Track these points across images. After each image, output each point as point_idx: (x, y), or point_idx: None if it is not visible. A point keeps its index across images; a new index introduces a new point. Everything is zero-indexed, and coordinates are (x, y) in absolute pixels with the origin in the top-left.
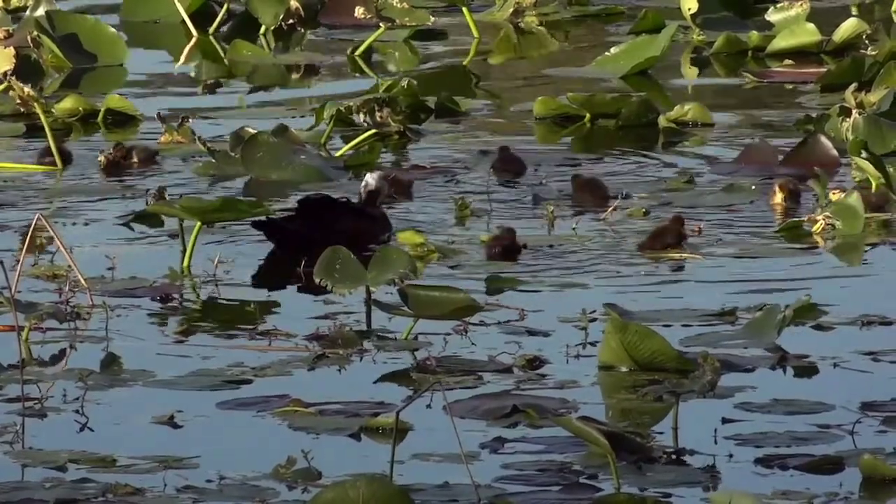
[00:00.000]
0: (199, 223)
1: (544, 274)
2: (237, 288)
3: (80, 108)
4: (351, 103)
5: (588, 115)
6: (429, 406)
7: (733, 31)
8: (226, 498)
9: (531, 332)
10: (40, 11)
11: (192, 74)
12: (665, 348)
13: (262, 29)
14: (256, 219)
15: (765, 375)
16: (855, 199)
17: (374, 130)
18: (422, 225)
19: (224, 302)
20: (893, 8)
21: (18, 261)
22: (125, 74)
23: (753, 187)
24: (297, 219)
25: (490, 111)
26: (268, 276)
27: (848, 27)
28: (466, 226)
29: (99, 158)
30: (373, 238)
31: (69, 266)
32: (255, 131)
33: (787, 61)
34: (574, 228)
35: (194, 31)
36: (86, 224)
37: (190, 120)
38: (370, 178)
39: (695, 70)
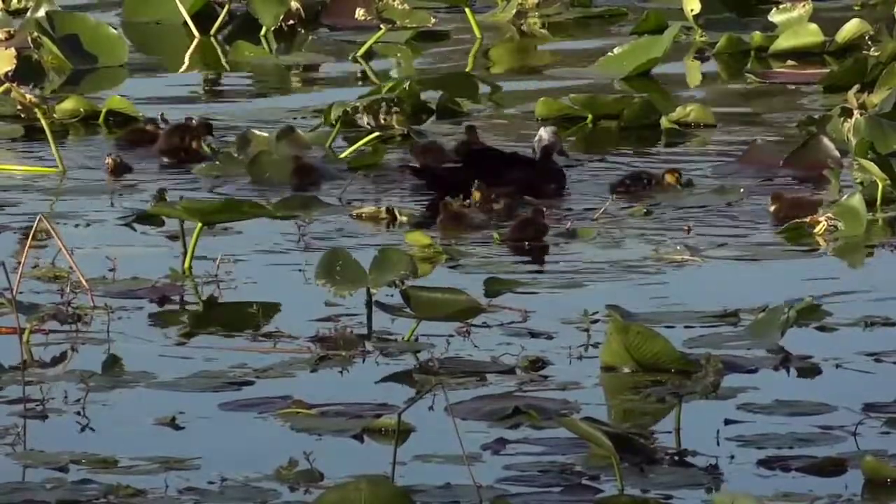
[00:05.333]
0: (199, 224)
1: (545, 275)
2: (239, 289)
3: (81, 109)
4: (357, 104)
5: (590, 116)
6: (431, 407)
7: (736, 31)
8: (227, 499)
9: (533, 334)
10: (41, 12)
11: (193, 75)
12: (667, 349)
13: (263, 30)
14: (416, 166)
15: (767, 376)
16: (857, 200)
17: (377, 133)
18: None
19: (226, 303)
20: None
21: (20, 262)
22: (126, 75)
23: (742, 190)
24: (464, 169)
25: (492, 112)
26: (269, 277)
27: (851, 28)
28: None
29: (106, 161)
30: (541, 190)
31: (70, 267)
32: (260, 134)
33: (790, 62)
34: (569, 227)
35: (196, 33)
36: (87, 225)
37: (194, 121)
38: (543, 133)
39: (697, 71)
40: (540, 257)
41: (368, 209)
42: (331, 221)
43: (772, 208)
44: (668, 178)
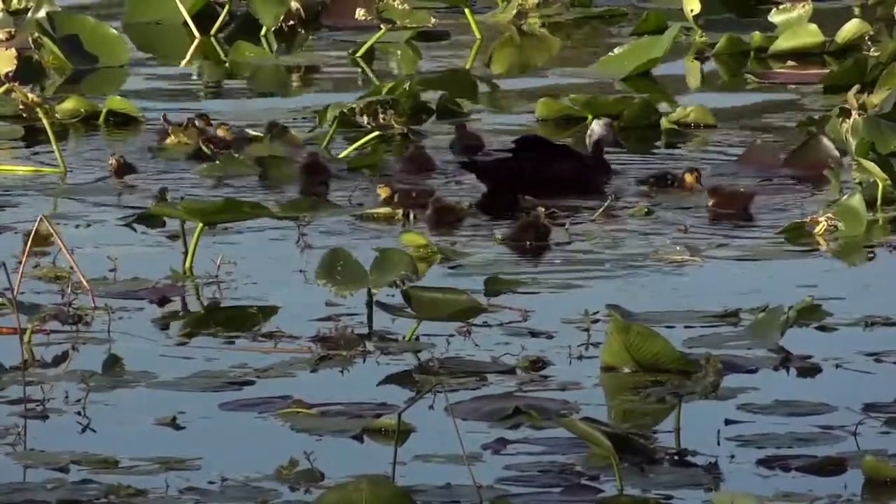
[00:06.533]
0: (200, 224)
1: (545, 275)
2: (239, 289)
3: (82, 110)
4: (354, 105)
5: (590, 117)
6: (431, 407)
7: (736, 32)
8: (228, 499)
9: (534, 334)
10: (41, 13)
11: (194, 75)
12: (667, 349)
13: (263, 30)
14: (464, 160)
15: (767, 376)
16: (857, 200)
17: (377, 133)
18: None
19: (226, 303)
20: None
21: (21, 262)
22: (126, 76)
23: (742, 190)
24: (512, 157)
25: (492, 112)
26: (270, 277)
27: (850, 28)
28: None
29: (110, 161)
30: (588, 183)
31: (71, 268)
32: (255, 133)
33: (790, 62)
34: (566, 229)
35: (196, 33)
36: (88, 225)
37: (197, 122)
38: (596, 127)
39: (697, 71)
40: (540, 257)
41: (383, 210)
42: (344, 222)
43: (710, 203)
44: (688, 178)
